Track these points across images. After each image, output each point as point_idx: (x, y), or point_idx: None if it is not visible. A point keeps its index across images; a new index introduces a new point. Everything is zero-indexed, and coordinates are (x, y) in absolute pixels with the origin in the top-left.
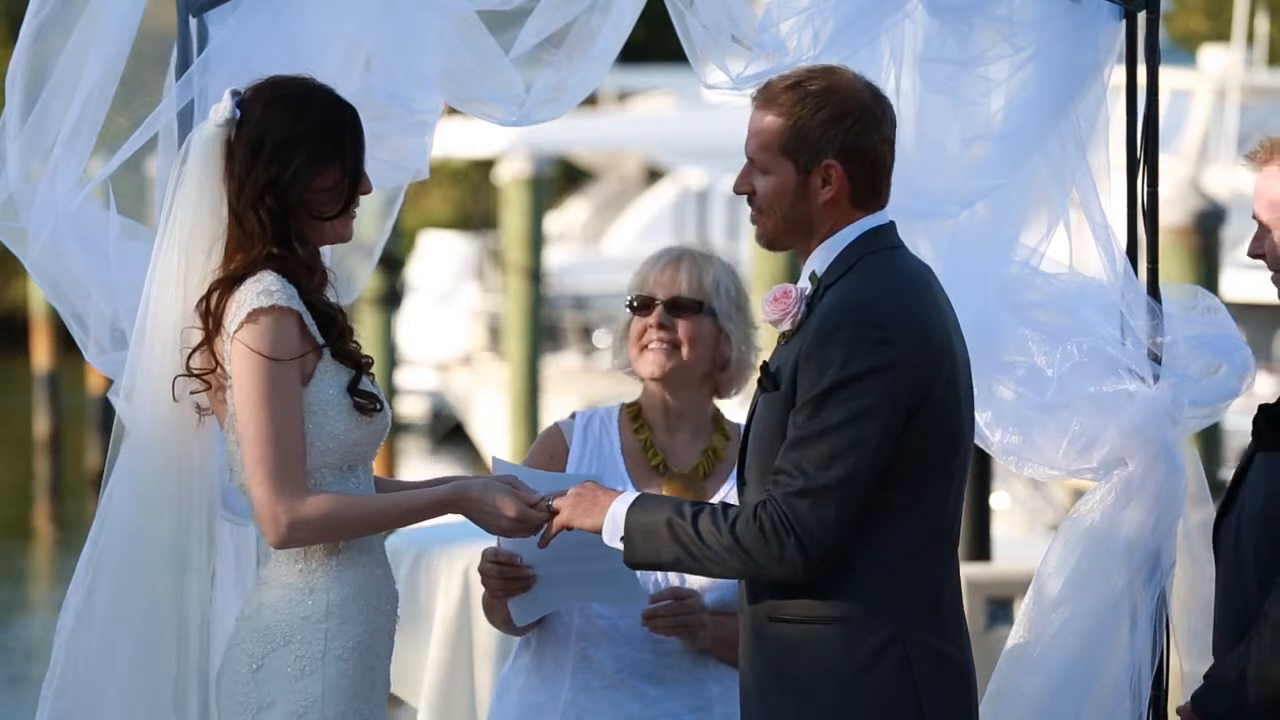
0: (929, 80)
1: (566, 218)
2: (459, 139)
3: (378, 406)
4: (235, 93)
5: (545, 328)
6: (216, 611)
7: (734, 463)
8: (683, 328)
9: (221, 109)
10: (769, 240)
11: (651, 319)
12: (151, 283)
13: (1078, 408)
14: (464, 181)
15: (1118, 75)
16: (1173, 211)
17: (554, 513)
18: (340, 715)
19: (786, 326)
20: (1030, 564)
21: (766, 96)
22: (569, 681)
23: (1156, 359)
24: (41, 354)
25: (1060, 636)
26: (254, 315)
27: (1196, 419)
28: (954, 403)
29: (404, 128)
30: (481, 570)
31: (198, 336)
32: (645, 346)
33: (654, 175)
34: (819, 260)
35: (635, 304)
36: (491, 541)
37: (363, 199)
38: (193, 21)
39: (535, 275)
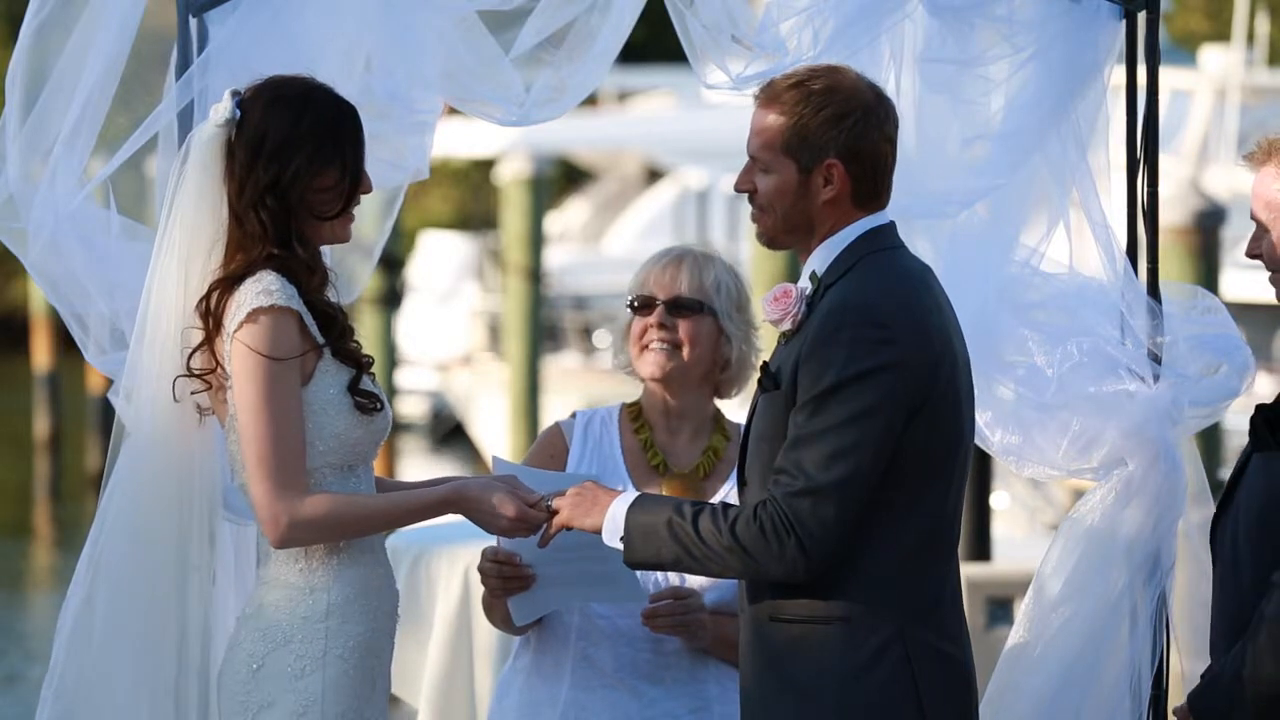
0: (929, 80)
1: (566, 218)
2: (459, 139)
3: (378, 406)
4: (235, 93)
5: (545, 328)
6: (216, 611)
7: (734, 463)
8: (683, 328)
9: (222, 109)
10: (769, 239)
11: (652, 319)
12: (152, 283)
13: (1078, 408)
14: (464, 181)
15: (1118, 75)
16: (1173, 211)
17: (553, 513)
18: (341, 715)
19: (787, 326)
20: (1030, 564)
21: (769, 95)
22: (568, 681)
23: (1156, 359)
24: (41, 354)
25: (1060, 636)
26: (254, 315)
27: (1196, 419)
28: (954, 403)
29: (404, 128)
30: (481, 569)
31: (198, 336)
32: (646, 346)
33: (654, 175)
34: (819, 260)
35: (636, 304)
36: (492, 541)
37: (363, 199)
38: (193, 21)
39: (535, 275)
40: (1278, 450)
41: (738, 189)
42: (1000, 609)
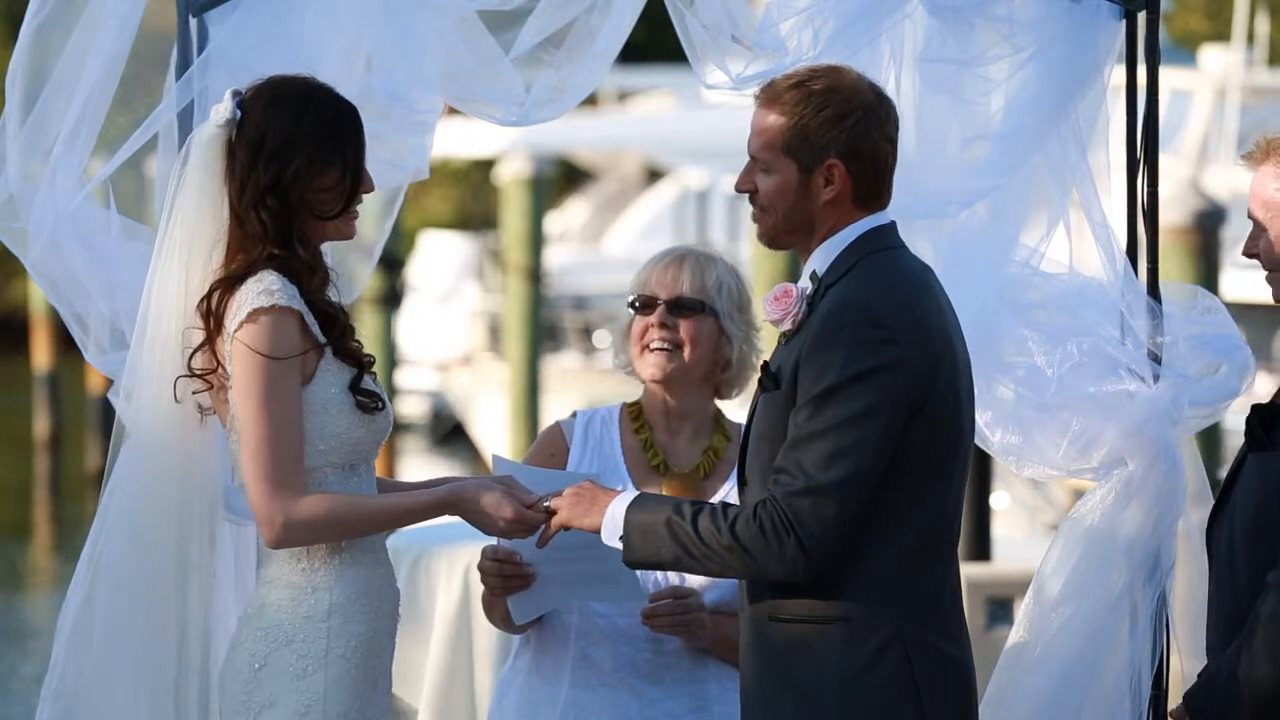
0: (929, 80)
1: (566, 218)
2: (459, 139)
3: (379, 405)
4: (236, 93)
5: (545, 328)
6: (217, 611)
7: (734, 463)
8: (684, 328)
9: (222, 109)
10: (770, 239)
11: (653, 319)
12: (152, 283)
13: (1078, 408)
14: (464, 181)
15: (1118, 75)
16: (1173, 211)
17: (551, 513)
18: (342, 714)
19: (787, 326)
20: (1030, 564)
21: (770, 95)
22: (568, 680)
23: (1156, 359)
24: (41, 354)
25: (1060, 636)
26: (254, 315)
27: (1196, 419)
28: (954, 403)
29: (404, 128)
30: (481, 568)
31: (199, 336)
32: (647, 347)
33: (654, 175)
34: (820, 260)
35: (637, 304)
36: (491, 540)
37: (363, 199)
38: (193, 21)
39: (535, 275)
40: (1273, 450)
41: (738, 189)
42: (1000, 609)
